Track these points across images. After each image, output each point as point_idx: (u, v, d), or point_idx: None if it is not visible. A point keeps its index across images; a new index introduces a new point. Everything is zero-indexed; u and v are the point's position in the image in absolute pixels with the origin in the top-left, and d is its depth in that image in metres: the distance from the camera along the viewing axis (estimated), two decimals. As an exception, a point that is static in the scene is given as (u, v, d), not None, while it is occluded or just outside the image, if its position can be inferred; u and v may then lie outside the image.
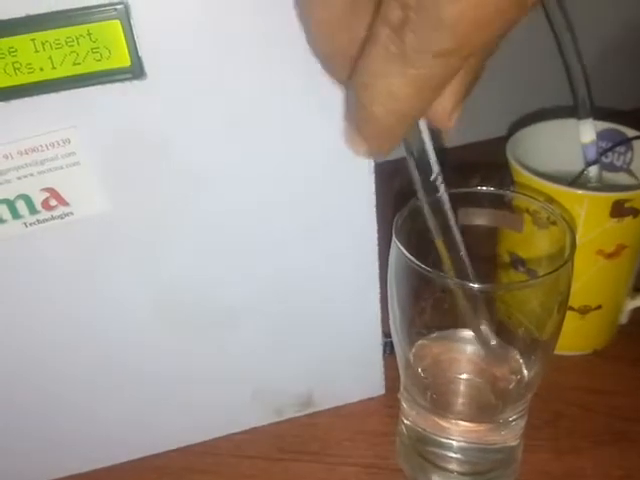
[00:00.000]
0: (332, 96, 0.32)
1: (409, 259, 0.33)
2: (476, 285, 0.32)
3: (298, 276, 0.40)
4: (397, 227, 0.35)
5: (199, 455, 0.45)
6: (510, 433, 0.39)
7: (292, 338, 0.43)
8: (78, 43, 0.28)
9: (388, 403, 0.47)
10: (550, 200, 0.42)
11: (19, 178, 0.30)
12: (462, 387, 0.41)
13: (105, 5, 0.28)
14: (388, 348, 0.46)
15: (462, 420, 0.39)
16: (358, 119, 0.26)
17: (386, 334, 0.44)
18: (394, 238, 0.34)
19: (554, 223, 0.37)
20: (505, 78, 0.70)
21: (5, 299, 0.34)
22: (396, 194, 0.42)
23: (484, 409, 0.40)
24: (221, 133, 0.33)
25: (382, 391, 0.48)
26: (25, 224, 0.32)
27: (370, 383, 0.47)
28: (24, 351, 0.37)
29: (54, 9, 0.27)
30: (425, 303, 0.36)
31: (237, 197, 0.35)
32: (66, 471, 0.43)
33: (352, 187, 0.37)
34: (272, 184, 0.36)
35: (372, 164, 0.37)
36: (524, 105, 0.72)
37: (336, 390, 0.46)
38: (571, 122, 0.49)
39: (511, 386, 0.38)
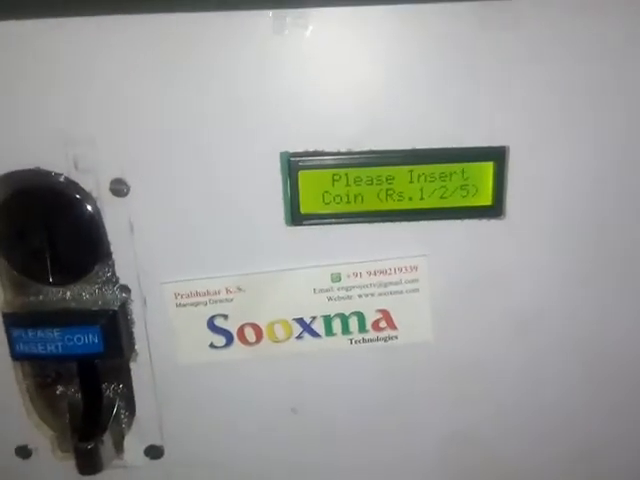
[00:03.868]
0: None
1: None
2: None
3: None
4: None
5: None
6: None
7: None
8: (450, 179, 0.30)
9: None
10: None
11: (360, 296, 0.31)
12: None
13: (485, 148, 0.29)
14: None
15: None
16: None
17: None
18: None
19: None
20: None
21: (312, 419, 0.34)
22: None
23: None
24: (568, 277, 0.31)
25: None
26: (351, 341, 0.32)
27: None
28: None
29: (439, 146, 0.29)
30: None
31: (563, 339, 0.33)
32: None
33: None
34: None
35: None
36: None
37: None
38: None
39: None
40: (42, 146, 0.28)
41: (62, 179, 0.29)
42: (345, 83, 0.28)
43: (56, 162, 0.28)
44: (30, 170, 0.29)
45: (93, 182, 0.29)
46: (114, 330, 0.31)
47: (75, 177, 0.29)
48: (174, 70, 0.27)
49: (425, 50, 0.27)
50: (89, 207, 0.29)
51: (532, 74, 0.28)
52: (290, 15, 0.27)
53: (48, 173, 0.29)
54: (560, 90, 0.28)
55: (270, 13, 0.27)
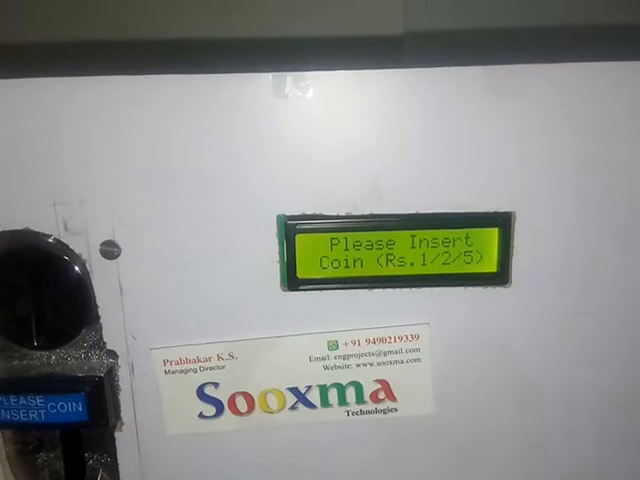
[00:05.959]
0: None
1: None
2: None
3: None
4: None
5: None
6: None
7: None
8: (453, 245, 0.28)
9: None
10: None
11: (358, 365, 0.30)
12: None
13: (490, 213, 0.28)
14: None
15: None
16: None
17: None
18: None
19: None
20: None
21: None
22: None
23: None
24: (576, 347, 0.30)
25: None
26: (348, 412, 0.30)
27: None
28: None
29: (442, 211, 0.28)
30: None
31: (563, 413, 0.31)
32: None
33: None
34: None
35: None
36: None
37: None
38: None
39: None
40: (31, 206, 0.27)
41: (51, 240, 0.28)
42: (345, 145, 0.27)
43: (45, 223, 0.28)
44: (18, 231, 0.28)
45: (83, 244, 0.28)
46: (99, 398, 0.29)
47: (64, 238, 0.28)
48: (168, 131, 0.27)
49: (429, 114, 0.27)
50: (78, 269, 0.28)
51: (538, 139, 0.27)
52: (290, 78, 0.27)
53: (37, 234, 0.28)
54: (566, 155, 0.27)
55: (270, 76, 0.27)
